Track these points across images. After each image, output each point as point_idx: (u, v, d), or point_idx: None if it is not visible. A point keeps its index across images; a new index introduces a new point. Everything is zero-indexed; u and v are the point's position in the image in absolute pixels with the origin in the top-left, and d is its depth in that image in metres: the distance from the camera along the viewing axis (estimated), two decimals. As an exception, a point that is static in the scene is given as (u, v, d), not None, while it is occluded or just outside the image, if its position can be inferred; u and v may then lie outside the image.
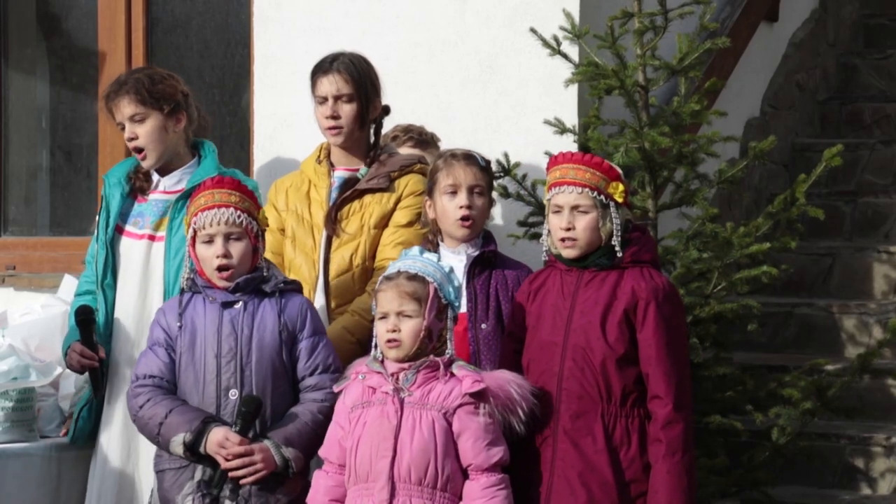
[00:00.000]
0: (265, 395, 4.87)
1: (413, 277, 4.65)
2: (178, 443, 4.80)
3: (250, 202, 4.97)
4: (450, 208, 5.08)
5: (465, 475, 4.59)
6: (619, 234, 4.67)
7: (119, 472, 5.38)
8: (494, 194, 5.61)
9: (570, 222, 4.68)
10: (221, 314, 4.91)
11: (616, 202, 4.68)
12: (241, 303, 4.92)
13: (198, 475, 4.85)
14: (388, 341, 4.63)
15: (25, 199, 7.53)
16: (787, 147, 7.70)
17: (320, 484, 4.72)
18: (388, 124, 5.61)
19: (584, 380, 4.63)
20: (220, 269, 4.91)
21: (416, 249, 4.79)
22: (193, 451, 4.80)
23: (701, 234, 5.42)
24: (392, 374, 4.64)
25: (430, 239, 5.17)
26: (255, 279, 4.94)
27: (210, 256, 4.91)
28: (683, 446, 4.57)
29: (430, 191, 5.15)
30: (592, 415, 4.63)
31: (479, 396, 4.58)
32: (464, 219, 5.06)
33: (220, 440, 4.78)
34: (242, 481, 4.80)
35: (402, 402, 4.60)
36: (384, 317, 4.65)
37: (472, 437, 4.56)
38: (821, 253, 7.09)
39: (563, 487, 4.64)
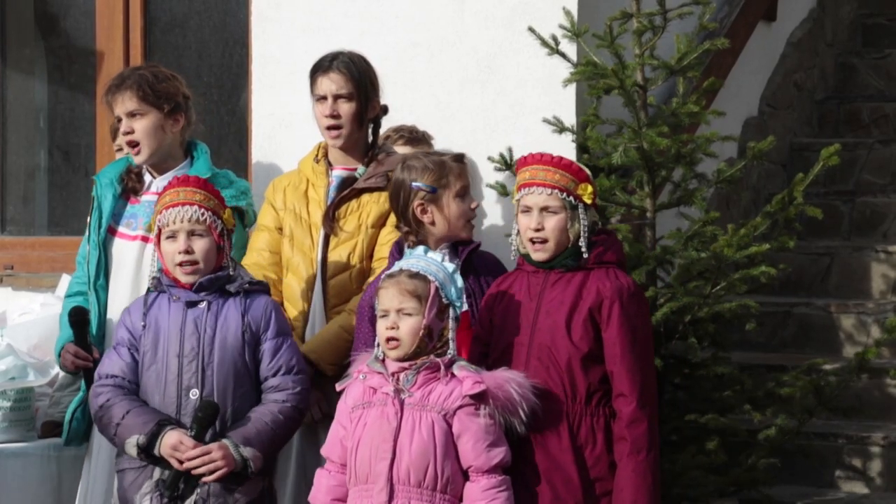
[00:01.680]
0: (226, 395, 4.88)
1: (415, 276, 4.64)
2: (132, 445, 4.82)
3: (216, 201, 4.98)
4: (462, 210, 5.09)
5: (465, 477, 4.59)
6: (587, 235, 4.70)
7: (109, 473, 5.37)
8: (494, 192, 5.64)
9: (539, 223, 4.72)
10: (185, 314, 4.92)
11: (584, 203, 4.72)
12: (204, 302, 4.93)
13: (156, 475, 4.87)
14: (388, 340, 4.63)
15: (24, 199, 7.54)
16: (785, 147, 7.70)
17: (322, 483, 4.73)
18: (387, 124, 5.61)
19: (549, 378, 4.66)
20: (182, 264, 4.92)
21: (420, 249, 4.79)
22: (148, 454, 4.82)
23: (700, 235, 5.42)
24: (393, 374, 4.63)
25: (413, 241, 5.07)
26: (219, 279, 4.95)
27: (172, 252, 4.93)
28: (648, 444, 4.60)
29: (437, 192, 5.09)
30: (557, 413, 4.65)
31: (480, 398, 4.57)
32: (472, 220, 5.12)
33: (174, 444, 4.79)
34: (203, 479, 4.80)
35: (402, 403, 4.59)
36: (384, 315, 4.65)
37: (473, 439, 4.56)
38: (819, 252, 7.09)
39: (527, 485, 4.66)
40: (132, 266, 5.43)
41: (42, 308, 6.10)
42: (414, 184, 5.07)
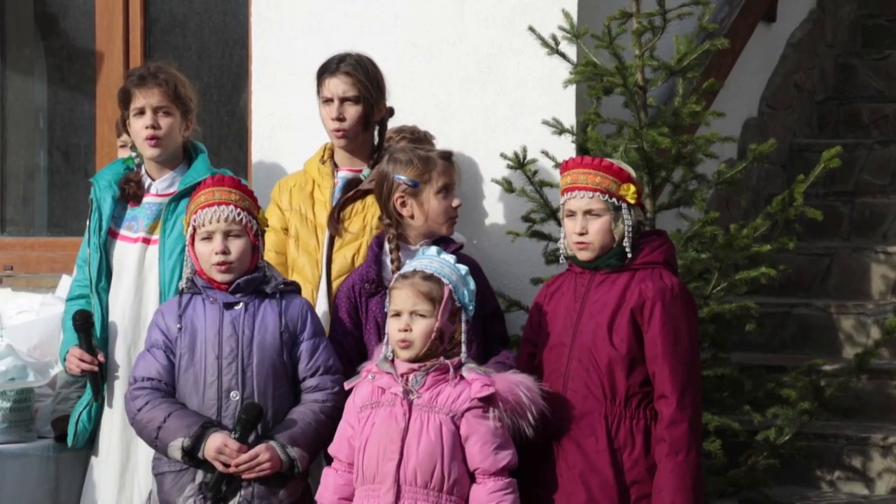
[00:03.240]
0: (266, 396, 4.88)
1: (429, 278, 4.65)
2: (176, 448, 4.80)
3: (250, 201, 4.99)
4: (444, 207, 5.10)
5: (472, 479, 4.59)
6: (630, 235, 4.70)
7: (118, 475, 5.38)
8: (499, 188, 5.62)
9: (583, 226, 4.72)
10: (222, 315, 4.91)
11: (628, 203, 4.71)
12: (241, 304, 4.92)
13: (199, 477, 4.86)
14: (400, 341, 4.63)
15: (23, 200, 7.54)
16: (784, 147, 7.70)
17: (329, 482, 4.74)
18: (389, 125, 5.61)
19: (588, 380, 4.65)
20: (218, 264, 4.91)
21: (433, 249, 4.79)
22: (192, 457, 4.81)
23: (700, 236, 5.42)
24: (402, 375, 4.63)
25: (394, 234, 5.10)
26: (255, 280, 4.95)
27: (209, 253, 4.92)
28: (687, 446, 4.58)
29: (418, 188, 5.11)
30: (596, 415, 4.65)
31: (488, 400, 4.57)
32: (454, 218, 5.13)
33: (219, 446, 4.78)
34: (245, 475, 4.79)
35: (410, 404, 4.60)
36: (397, 314, 4.64)
37: (480, 441, 4.57)
38: (819, 253, 7.09)
39: (563, 486, 4.66)
40: (134, 268, 5.42)
41: (41, 308, 6.09)
42: (396, 176, 5.10)
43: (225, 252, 4.91)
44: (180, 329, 4.93)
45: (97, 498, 5.43)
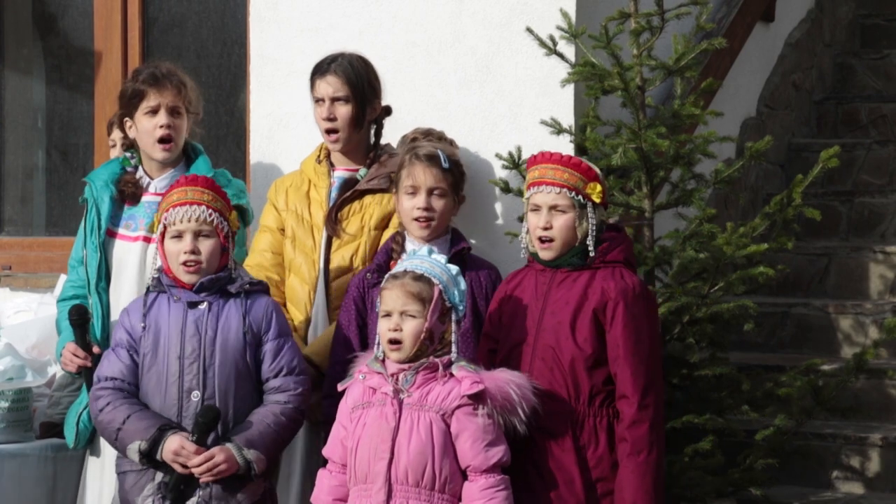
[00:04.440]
0: (227, 397, 4.88)
1: (419, 278, 4.66)
2: (134, 450, 4.82)
3: (222, 203, 4.98)
4: (408, 208, 5.12)
5: (464, 476, 4.60)
6: (595, 234, 4.70)
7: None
8: (496, 189, 5.62)
9: (547, 222, 4.74)
10: (186, 315, 4.91)
11: (593, 202, 4.73)
12: (205, 303, 4.92)
13: (158, 478, 4.87)
14: (390, 341, 4.63)
15: (22, 199, 7.54)
16: (783, 147, 7.70)
17: (324, 483, 4.74)
18: (388, 124, 5.61)
19: (552, 379, 4.67)
20: (186, 263, 4.91)
21: (424, 249, 4.80)
22: (150, 458, 4.81)
23: (698, 235, 5.42)
24: (392, 375, 4.64)
25: (399, 231, 5.18)
26: (220, 279, 4.94)
27: (178, 252, 4.92)
28: (648, 446, 4.60)
29: (396, 185, 5.18)
30: (560, 414, 4.66)
31: (478, 397, 4.58)
32: (419, 219, 5.11)
33: (176, 449, 4.79)
34: (203, 479, 4.80)
35: (400, 403, 4.60)
36: (387, 315, 4.65)
37: (471, 439, 4.57)
38: (817, 253, 7.09)
39: (530, 483, 4.66)
40: (135, 267, 5.42)
41: (40, 307, 6.09)
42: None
43: (194, 252, 4.91)
44: (144, 328, 4.94)
45: (101, 497, 5.42)
